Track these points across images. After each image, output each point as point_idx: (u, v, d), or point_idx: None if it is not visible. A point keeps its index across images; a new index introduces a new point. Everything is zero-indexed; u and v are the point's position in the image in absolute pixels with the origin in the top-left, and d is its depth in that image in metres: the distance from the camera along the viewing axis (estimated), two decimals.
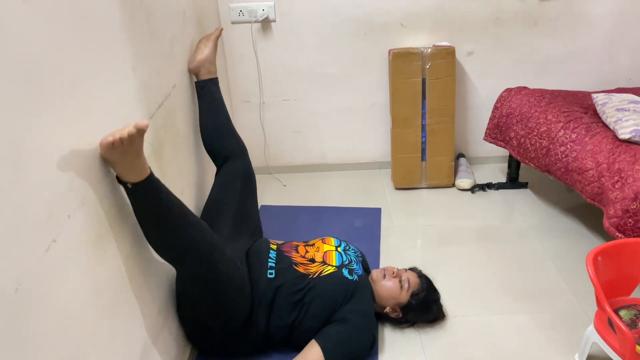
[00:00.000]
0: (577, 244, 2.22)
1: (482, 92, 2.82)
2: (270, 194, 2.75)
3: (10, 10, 0.85)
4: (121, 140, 1.12)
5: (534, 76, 2.77)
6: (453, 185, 2.76)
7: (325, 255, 1.76)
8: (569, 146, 2.07)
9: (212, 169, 1.98)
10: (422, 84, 2.60)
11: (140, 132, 1.13)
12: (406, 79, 2.59)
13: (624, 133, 1.94)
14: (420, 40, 2.68)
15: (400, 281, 1.76)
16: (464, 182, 2.71)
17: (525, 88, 2.50)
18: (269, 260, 1.71)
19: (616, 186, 1.82)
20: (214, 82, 1.94)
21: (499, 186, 2.72)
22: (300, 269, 1.69)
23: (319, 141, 2.93)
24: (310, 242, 1.86)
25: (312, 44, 2.68)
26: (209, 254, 1.42)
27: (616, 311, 1.49)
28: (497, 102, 2.54)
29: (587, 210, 2.42)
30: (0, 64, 0.82)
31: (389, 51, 2.64)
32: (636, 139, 1.91)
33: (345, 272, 1.71)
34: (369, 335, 1.65)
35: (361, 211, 2.56)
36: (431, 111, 2.64)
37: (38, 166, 0.91)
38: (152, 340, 1.40)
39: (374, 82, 2.78)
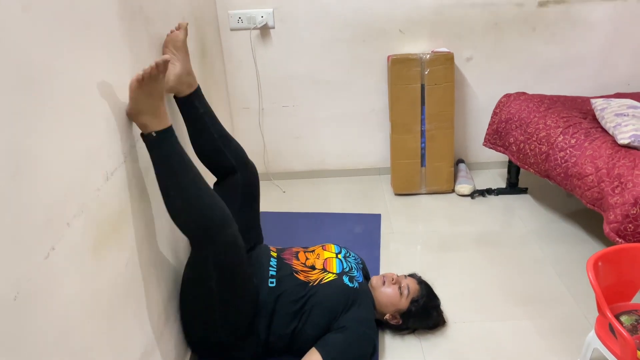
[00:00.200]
0: (578, 249, 2.22)
1: (481, 97, 2.82)
2: (269, 200, 2.74)
3: (10, 17, 0.85)
4: (150, 71, 1.24)
5: (533, 81, 2.77)
6: (453, 190, 2.76)
7: (325, 262, 1.76)
8: (568, 151, 2.07)
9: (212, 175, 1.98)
10: (421, 89, 2.60)
11: (165, 63, 1.26)
12: (405, 85, 2.59)
13: (623, 138, 1.94)
14: (419, 46, 2.68)
15: (399, 288, 1.75)
16: (463, 187, 2.71)
17: (524, 93, 2.50)
18: (270, 268, 1.70)
19: (616, 191, 1.82)
20: (196, 94, 1.66)
21: (498, 192, 2.72)
22: (301, 277, 1.69)
23: (318, 147, 2.93)
24: (311, 249, 1.86)
25: (311, 50, 2.69)
26: (227, 216, 1.46)
27: (617, 317, 1.48)
28: (496, 107, 2.55)
29: (587, 216, 2.42)
30: (0, 70, 0.82)
31: (388, 57, 2.64)
32: (635, 144, 1.91)
33: (345, 279, 1.70)
34: (369, 342, 1.64)
35: (361, 217, 2.56)
36: (430, 117, 2.64)
37: (37, 173, 0.91)
38: (152, 346, 1.39)
39: (373, 88, 2.78)
